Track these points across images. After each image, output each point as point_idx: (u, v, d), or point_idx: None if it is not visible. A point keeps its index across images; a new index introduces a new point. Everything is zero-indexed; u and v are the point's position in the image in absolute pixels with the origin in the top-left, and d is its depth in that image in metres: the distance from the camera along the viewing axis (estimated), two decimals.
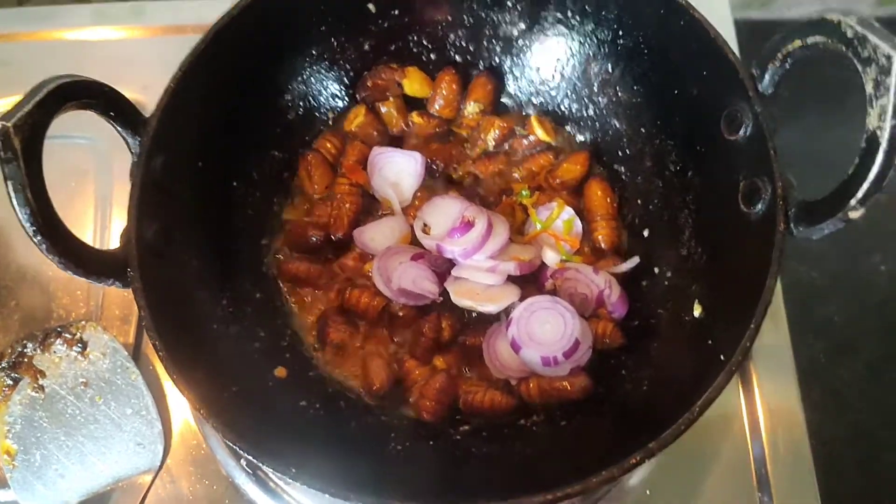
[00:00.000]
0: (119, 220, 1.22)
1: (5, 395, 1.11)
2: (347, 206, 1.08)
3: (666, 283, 1.01)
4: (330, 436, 0.92)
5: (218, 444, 1.09)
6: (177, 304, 0.88)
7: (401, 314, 1.03)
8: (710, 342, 0.86)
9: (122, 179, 1.20)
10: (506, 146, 1.16)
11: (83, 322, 1.15)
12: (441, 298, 1.02)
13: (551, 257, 1.02)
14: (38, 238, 0.78)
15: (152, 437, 1.09)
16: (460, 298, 0.99)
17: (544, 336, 0.96)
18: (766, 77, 0.86)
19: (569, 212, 1.07)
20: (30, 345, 1.13)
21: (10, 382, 1.11)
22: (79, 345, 1.14)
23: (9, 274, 1.22)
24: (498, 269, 0.99)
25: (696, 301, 0.93)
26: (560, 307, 0.97)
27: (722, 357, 0.79)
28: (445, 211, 1.04)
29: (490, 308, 0.98)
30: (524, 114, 1.18)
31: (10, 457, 1.08)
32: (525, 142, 1.14)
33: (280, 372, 0.98)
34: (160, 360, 0.81)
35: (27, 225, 0.77)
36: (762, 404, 1.10)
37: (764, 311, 0.79)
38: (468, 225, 0.99)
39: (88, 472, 1.08)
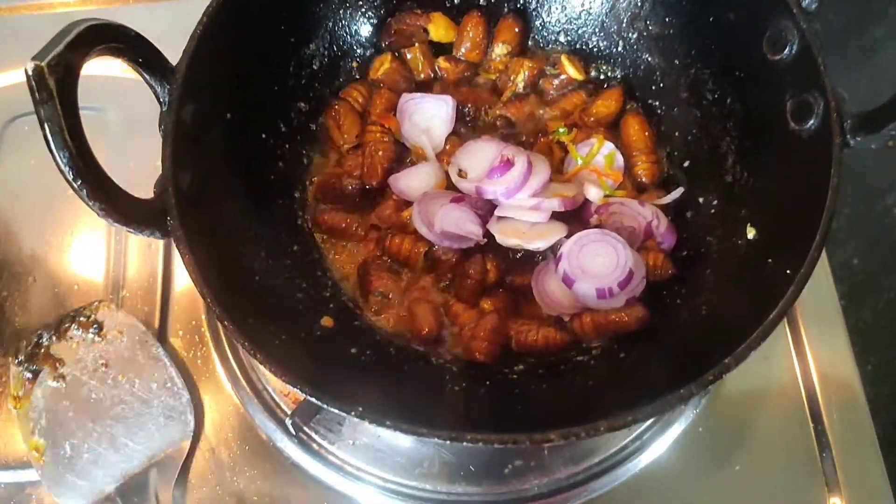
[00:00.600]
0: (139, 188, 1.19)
1: (27, 391, 1.07)
2: (380, 153, 1.05)
3: (713, 210, 0.99)
4: (385, 380, 0.89)
5: (257, 409, 1.06)
6: (217, 254, 0.85)
7: (444, 258, 1.00)
8: (769, 260, 0.84)
9: (134, 149, 1.19)
10: (537, 87, 1.13)
11: (96, 303, 1.11)
12: (485, 240, 0.99)
13: (594, 193, 1.00)
14: (79, 182, 0.74)
15: (181, 407, 1.06)
16: (506, 238, 0.96)
17: (597, 268, 0.93)
18: None
19: (609, 146, 1.05)
20: (45, 334, 1.09)
21: (30, 376, 1.07)
22: (94, 326, 1.10)
23: (24, 258, 1.18)
24: (542, 207, 0.96)
25: (749, 224, 0.91)
26: (611, 239, 0.95)
27: (788, 271, 0.78)
28: (481, 154, 1.02)
29: (538, 244, 0.96)
30: (553, 54, 1.15)
31: (39, 453, 1.04)
32: (556, 81, 1.12)
33: (327, 321, 0.95)
34: (207, 304, 0.78)
35: (66, 169, 0.73)
36: (812, 358, 1.09)
37: (829, 222, 0.78)
38: (508, 164, 0.97)
39: (122, 455, 1.04)
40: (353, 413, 0.73)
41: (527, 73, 1.11)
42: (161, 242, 1.17)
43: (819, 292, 1.14)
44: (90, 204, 0.76)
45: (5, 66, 1.30)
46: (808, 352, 1.10)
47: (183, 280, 1.15)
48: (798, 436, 1.05)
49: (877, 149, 0.81)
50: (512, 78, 1.12)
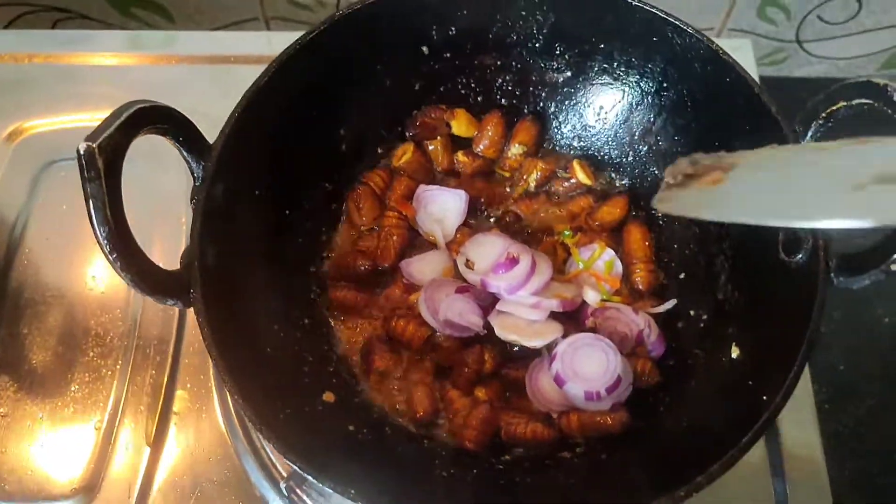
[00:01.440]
0: (159, 242, 1.24)
1: None
2: (395, 238, 1.11)
3: (702, 324, 1.05)
4: (378, 459, 0.94)
5: (253, 466, 1.10)
6: (233, 325, 0.90)
7: (444, 345, 1.05)
8: (749, 383, 0.89)
9: (161, 205, 1.25)
10: (547, 188, 1.20)
11: None
12: (486, 331, 1.05)
13: (592, 296, 1.05)
14: (114, 256, 0.80)
15: None
16: (505, 333, 1.01)
17: (588, 371, 0.98)
18: (809, 133, 0.91)
19: (609, 253, 1.11)
20: None
21: None
22: None
23: (48, 298, 1.23)
24: (542, 306, 1.02)
25: (734, 343, 0.96)
26: (603, 344, 1.00)
27: (764, 398, 0.83)
28: (489, 247, 1.07)
29: (535, 343, 1.01)
30: (566, 157, 1.22)
31: None
32: (566, 184, 1.18)
33: (328, 397, 0.99)
34: (221, 377, 0.83)
35: (104, 243, 0.79)
36: (786, 457, 1.13)
37: (807, 355, 0.83)
38: (513, 261, 1.03)
39: None
40: (346, 495, 0.78)
41: (539, 173, 1.18)
42: None
43: (798, 395, 1.16)
44: (122, 275, 0.81)
45: (48, 113, 1.38)
46: (782, 449, 1.13)
47: (195, 334, 1.20)
48: None
49: None
50: (525, 177, 1.19)
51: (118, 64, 1.46)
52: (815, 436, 1.15)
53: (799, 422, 1.16)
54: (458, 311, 1.04)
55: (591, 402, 0.98)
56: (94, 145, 0.78)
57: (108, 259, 0.80)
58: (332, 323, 1.10)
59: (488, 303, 1.07)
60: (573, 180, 1.18)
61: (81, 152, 0.77)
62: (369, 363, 1.05)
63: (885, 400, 1.56)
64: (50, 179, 1.33)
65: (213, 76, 1.41)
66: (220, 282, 0.90)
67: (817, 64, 1.83)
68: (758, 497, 1.10)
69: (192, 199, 0.92)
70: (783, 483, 1.11)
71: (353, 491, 0.78)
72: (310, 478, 0.79)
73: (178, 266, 0.89)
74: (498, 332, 1.02)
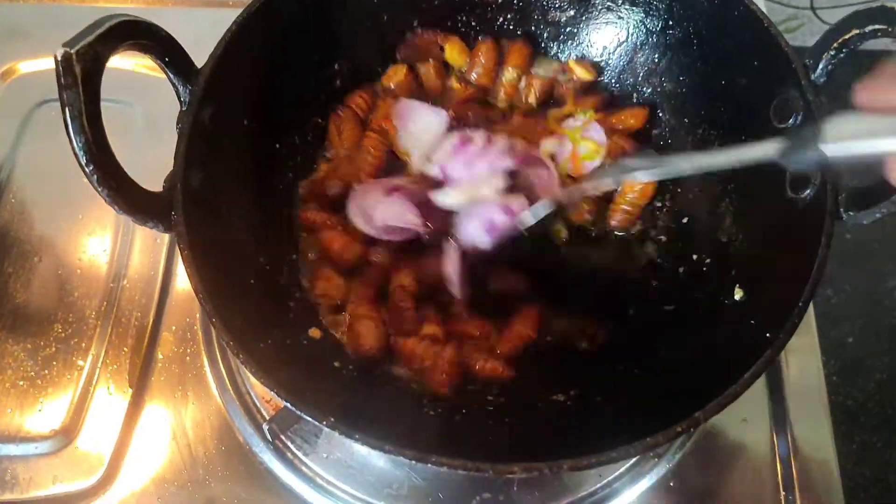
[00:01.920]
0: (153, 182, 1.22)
1: None
2: (370, 158, 1.07)
3: (704, 268, 1.01)
4: (363, 396, 0.91)
5: (238, 411, 1.07)
6: (216, 252, 0.86)
7: (375, 260, 1.03)
8: (752, 322, 0.85)
9: (154, 146, 1.22)
10: (552, 96, 1.17)
11: None
12: (427, 228, 1.01)
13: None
14: (91, 167, 0.77)
15: None
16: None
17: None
18: (820, 66, 0.87)
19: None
20: None
21: None
22: None
23: (34, 237, 1.20)
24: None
25: (737, 285, 0.93)
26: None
27: (768, 335, 0.79)
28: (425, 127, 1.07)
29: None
30: (560, 62, 1.18)
31: None
32: (567, 86, 1.14)
33: (314, 332, 0.96)
34: (200, 301, 0.80)
35: (80, 153, 0.76)
36: (791, 430, 1.08)
37: (812, 291, 0.80)
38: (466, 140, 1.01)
39: None
40: (324, 422, 0.74)
41: (538, 87, 1.14)
42: (166, 239, 1.20)
43: (807, 367, 1.14)
44: (99, 189, 0.78)
45: (40, 52, 1.35)
46: (788, 423, 1.09)
47: (182, 278, 1.17)
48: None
49: (870, 224, 0.83)
50: (525, 98, 1.15)
51: (112, 4, 1.43)
52: (822, 410, 1.11)
53: (807, 394, 1.11)
54: (395, 213, 1.00)
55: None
56: (71, 51, 0.76)
57: (84, 171, 0.77)
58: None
59: (424, 199, 1.02)
60: (574, 79, 1.14)
61: (59, 58, 0.76)
62: (314, 290, 1.02)
63: (893, 374, 1.53)
64: (40, 119, 1.30)
65: (210, 19, 1.37)
66: (203, 206, 0.87)
67: None
68: (762, 469, 1.06)
69: (177, 124, 0.89)
70: (789, 454, 1.07)
71: (332, 418, 0.75)
72: (287, 404, 0.76)
73: (161, 189, 0.86)
74: (448, 198, 0.99)
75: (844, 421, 1.21)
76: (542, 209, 0.99)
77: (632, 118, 1.11)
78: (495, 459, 0.73)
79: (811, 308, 1.16)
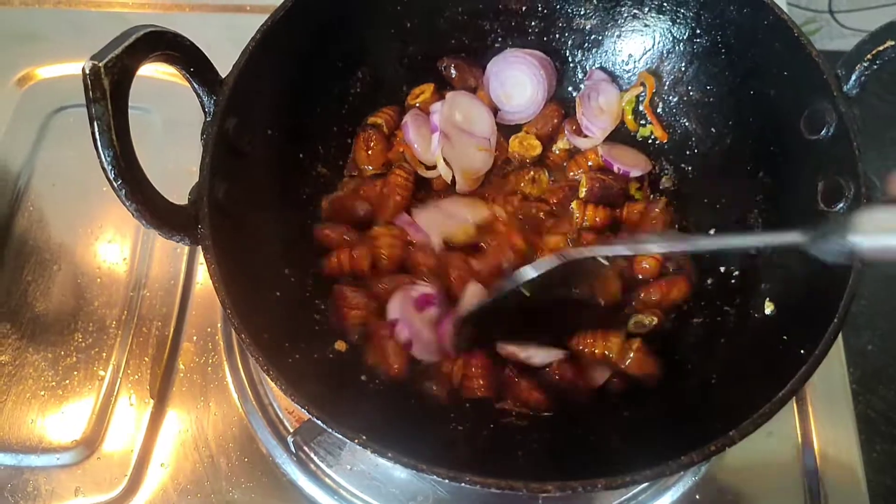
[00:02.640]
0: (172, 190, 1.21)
1: None
2: (398, 198, 1.07)
3: (733, 281, 1.00)
4: (390, 411, 0.90)
5: (260, 423, 1.07)
6: (242, 266, 0.86)
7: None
8: (784, 337, 0.84)
9: (175, 152, 1.22)
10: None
11: None
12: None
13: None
14: (119, 182, 0.76)
15: None
16: None
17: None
18: (853, 77, 0.86)
19: None
20: None
21: None
22: None
23: (53, 246, 1.20)
24: None
25: (767, 299, 0.92)
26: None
27: (802, 351, 0.78)
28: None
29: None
30: None
31: None
32: None
33: (340, 346, 0.96)
34: (227, 317, 0.79)
35: (108, 167, 0.75)
36: (817, 439, 1.07)
37: (849, 305, 0.79)
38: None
39: None
40: (356, 441, 0.74)
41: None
42: (186, 248, 1.19)
43: (831, 376, 1.13)
44: (127, 204, 0.77)
45: (59, 58, 1.35)
46: (813, 433, 1.08)
47: (203, 286, 1.17)
48: None
49: None
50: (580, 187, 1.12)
51: (130, 11, 1.42)
52: (849, 420, 1.10)
53: (832, 403, 1.10)
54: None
55: None
56: (99, 64, 0.74)
57: (112, 185, 0.77)
58: None
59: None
60: None
61: (87, 71, 0.74)
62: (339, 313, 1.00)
63: None
64: (58, 126, 1.29)
65: (227, 25, 1.37)
66: (228, 218, 0.86)
67: (851, 37, 1.78)
68: (788, 481, 1.05)
69: (202, 135, 0.88)
70: (815, 467, 1.06)
71: (363, 436, 0.74)
72: (318, 422, 0.75)
73: (186, 202, 0.86)
74: None
75: (865, 430, 1.20)
76: (545, 264, 0.96)
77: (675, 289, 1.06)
78: (528, 477, 0.73)
79: None
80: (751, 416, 0.74)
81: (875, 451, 1.44)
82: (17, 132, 1.28)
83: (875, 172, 0.85)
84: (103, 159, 0.75)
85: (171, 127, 1.28)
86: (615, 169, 1.09)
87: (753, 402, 0.76)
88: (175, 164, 1.18)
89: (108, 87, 0.75)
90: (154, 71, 1.31)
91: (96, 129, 0.74)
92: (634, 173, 1.10)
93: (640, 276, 1.05)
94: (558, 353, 0.98)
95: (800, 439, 1.08)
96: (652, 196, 1.11)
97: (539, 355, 0.97)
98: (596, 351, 0.97)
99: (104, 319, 1.13)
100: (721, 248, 0.84)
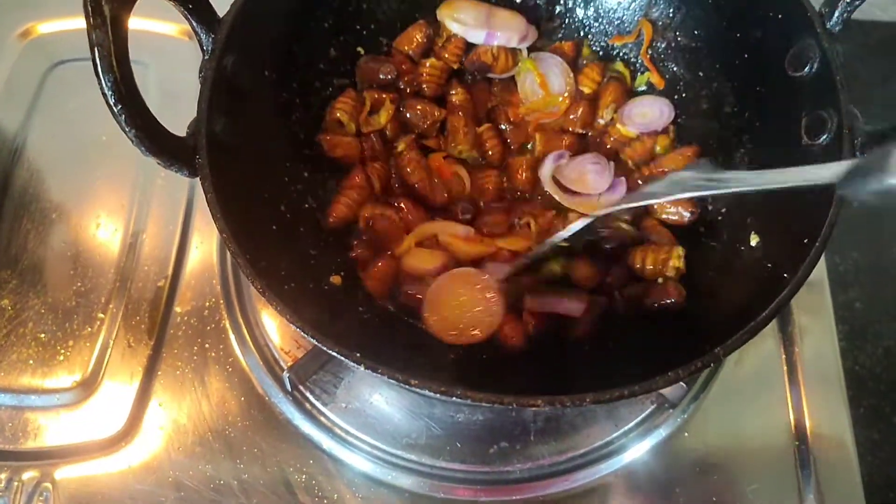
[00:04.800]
0: None
1: None
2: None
3: (720, 217, 1.02)
4: (386, 339, 0.92)
5: (257, 363, 1.08)
6: (239, 197, 0.87)
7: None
8: (769, 265, 0.87)
9: (171, 108, 1.22)
10: None
11: None
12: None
13: None
14: (119, 107, 0.77)
15: None
16: None
17: None
18: (835, 14, 0.88)
19: None
20: None
21: None
22: None
23: (52, 195, 1.21)
24: None
25: (753, 232, 0.94)
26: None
27: (785, 275, 0.80)
28: None
29: None
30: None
31: None
32: None
33: (335, 279, 0.98)
34: (224, 242, 0.81)
35: (109, 93, 0.76)
36: (805, 392, 1.10)
37: (829, 232, 0.81)
38: None
39: None
40: (350, 358, 0.76)
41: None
42: (184, 197, 1.21)
43: (820, 332, 1.16)
44: (126, 130, 0.79)
45: (55, 14, 1.36)
46: (801, 385, 1.10)
47: (201, 235, 1.19)
48: (781, 462, 1.06)
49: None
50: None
51: None
52: (837, 374, 1.14)
53: (821, 359, 1.13)
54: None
55: None
56: None
57: (112, 111, 0.78)
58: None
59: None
60: None
61: None
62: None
63: None
64: (59, 79, 1.31)
65: None
66: (226, 151, 0.88)
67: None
68: (777, 420, 1.08)
69: (200, 72, 0.90)
70: (802, 406, 1.09)
71: (357, 353, 0.76)
72: (313, 340, 0.77)
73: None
74: None
75: (851, 386, 1.21)
76: (578, 225, 0.99)
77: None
78: (518, 395, 0.75)
79: (824, 273, 1.18)
80: (736, 334, 0.77)
81: (862, 407, 1.46)
82: (18, 84, 1.30)
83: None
84: (103, 84, 0.76)
85: (168, 81, 1.28)
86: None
87: (740, 323, 0.78)
88: (171, 117, 1.15)
89: (109, 14, 0.76)
90: (150, 26, 1.33)
91: (97, 55, 0.76)
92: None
93: None
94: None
95: (789, 390, 1.10)
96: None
97: None
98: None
99: (103, 265, 1.15)
100: (749, 188, 0.83)
